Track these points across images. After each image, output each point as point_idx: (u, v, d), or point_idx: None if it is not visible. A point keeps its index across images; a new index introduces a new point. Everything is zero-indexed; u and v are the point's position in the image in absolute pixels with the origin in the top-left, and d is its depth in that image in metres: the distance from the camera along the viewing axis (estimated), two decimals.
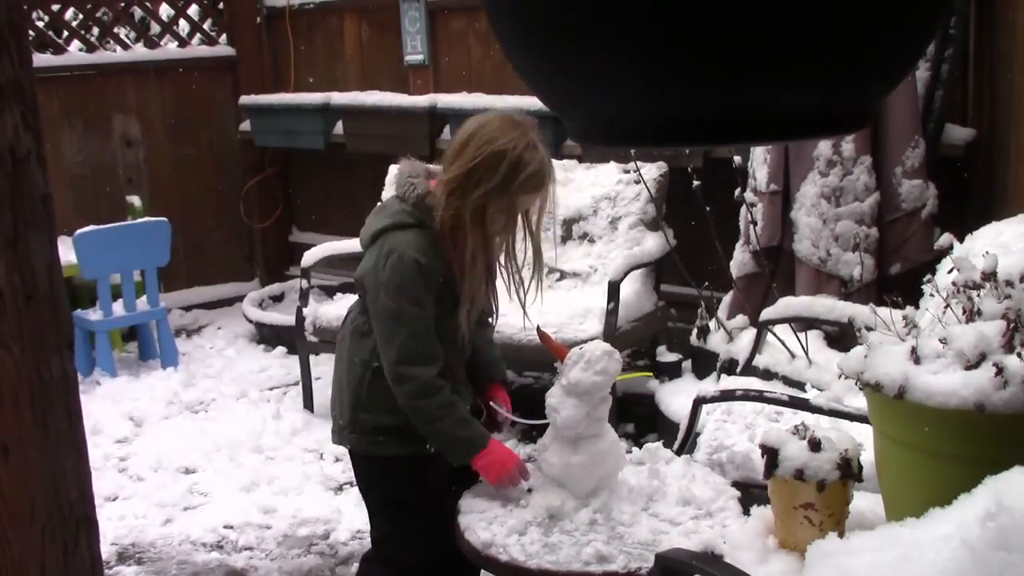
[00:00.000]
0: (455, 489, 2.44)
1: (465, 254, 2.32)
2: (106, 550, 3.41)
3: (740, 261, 3.92)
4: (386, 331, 2.34)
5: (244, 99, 5.96)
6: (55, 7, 5.78)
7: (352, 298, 4.59)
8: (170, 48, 6.13)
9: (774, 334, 3.34)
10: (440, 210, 2.32)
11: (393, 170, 5.08)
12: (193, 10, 6.20)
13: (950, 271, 1.44)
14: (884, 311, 1.52)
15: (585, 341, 2.42)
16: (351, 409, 2.46)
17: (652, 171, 4.34)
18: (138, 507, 3.77)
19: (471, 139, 2.32)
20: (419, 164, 2.47)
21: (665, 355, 4.09)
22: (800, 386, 3.13)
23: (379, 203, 2.53)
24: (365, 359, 2.43)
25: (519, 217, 2.40)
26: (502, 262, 2.48)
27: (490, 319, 2.61)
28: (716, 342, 3.73)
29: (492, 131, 2.32)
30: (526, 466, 2.39)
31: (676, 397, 3.53)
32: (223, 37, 6.28)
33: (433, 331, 2.36)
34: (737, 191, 3.76)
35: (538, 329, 2.50)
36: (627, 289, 4.06)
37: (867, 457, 1.53)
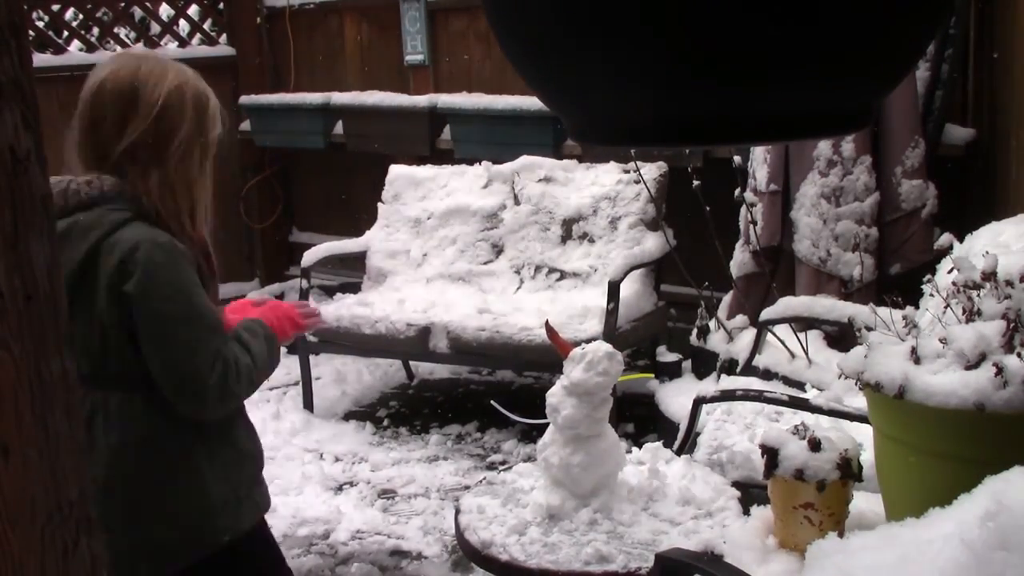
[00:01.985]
0: None
1: (191, 219, 1.91)
2: None
3: (740, 261, 3.92)
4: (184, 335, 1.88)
5: (244, 99, 5.96)
6: (55, 7, 5.78)
7: (352, 298, 4.64)
8: (170, 48, 6.13)
9: (774, 334, 3.34)
10: (139, 183, 1.85)
11: (393, 170, 5.11)
12: (193, 10, 6.19)
13: (950, 271, 1.43)
14: (884, 311, 1.52)
15: (585, 341, 2.43)
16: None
17: (652, 171, 4.34)
18: None
19: (131, 94, 1.83)
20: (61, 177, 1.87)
21: (665, 355, 4.09)
22: (800, 386, 3.13)
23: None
24: None
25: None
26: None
27: None
28: (716, 342, 3.73)
29: (151, 73, 1.86)
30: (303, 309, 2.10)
31: (676, 397, 3.53)
32: (223, 37, 6.28)
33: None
34: (737, 191, 3.76)
35: (547, 324, 2.50)
36: (627, 289, 4.07)
37: (867, 457, 1.53)
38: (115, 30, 6.06)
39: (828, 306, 3.05)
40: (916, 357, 1.35)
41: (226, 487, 1.91)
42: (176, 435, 1.87)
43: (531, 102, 4.72)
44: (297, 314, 2.10)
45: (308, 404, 4.60)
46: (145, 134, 1.83)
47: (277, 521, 3.61)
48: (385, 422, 4.52)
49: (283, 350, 2.10)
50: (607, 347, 2.31)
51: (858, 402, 2.19)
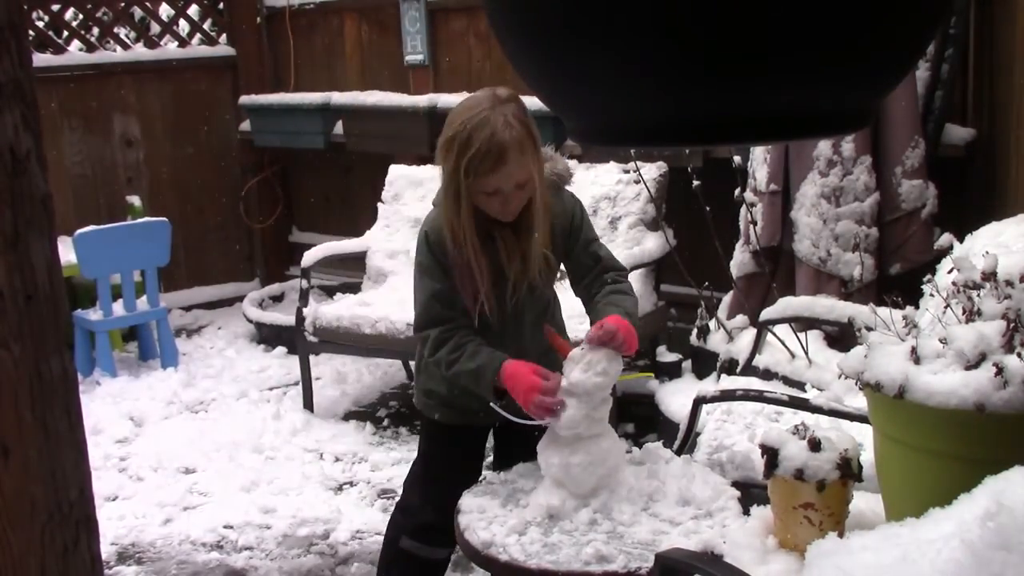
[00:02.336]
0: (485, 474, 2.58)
1: (449, 233, 2.34)
2: (106, 550, 3.41)
3: (740, 261, 3.92)
4: (414, 299, 2.47)
5: (244, 99, 5.96)
6: (55, 7, 5.79)
7: (352, 298, 4.63)
8: (170, 48, 6.13)
9: (774, 334, 3.34)
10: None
11: (393, 170, 5.11)
12: (193, 10, 6.20)
13: (950, 271, 1.44)
14: (884, 311, 1.52)
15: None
16: (416, 375, 2.68)
17: (652, 171, 4.34)
18: (138, 507, 3.77)
19: (448, 120, 2.31)
20: None
21: (665, 355, 4.09)
22: (800, 386, 3.13)
23: None
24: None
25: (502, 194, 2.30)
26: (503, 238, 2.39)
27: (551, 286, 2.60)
28: (716, 342, 3.73)
29: (456, 111, 2.30)
30: (551, 384, 2.25)
31: (676, 397, 3.53)
32: (223, 37, 6.28)
33: (450, 300, 2.40)
34: (737, 191, 3.76)
35: (545, 325, 2.49)
36: None
37: (867, 457, 1.53)
38: (115, 30, 6.06)
39: (828, 306, 3.05)
40: (916, 357, 1.35)
41: None
42: None
43: (531, 102, 4.70)
44: (537, 397, 2.25)
45: (308, 404, 4.60)
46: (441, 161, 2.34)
47: (277, 521, 3.61)
48: (385, 422, 4.52)
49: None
50: (607, 347, 2.31)
51: (858, 402, 2.19)
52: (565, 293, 2.58)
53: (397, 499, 2.92)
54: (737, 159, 3.78)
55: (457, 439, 2.65)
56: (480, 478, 2.57)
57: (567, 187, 2.59)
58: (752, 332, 3.47)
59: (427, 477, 2.71)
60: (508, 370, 2.30)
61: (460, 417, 2.59)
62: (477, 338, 2.40)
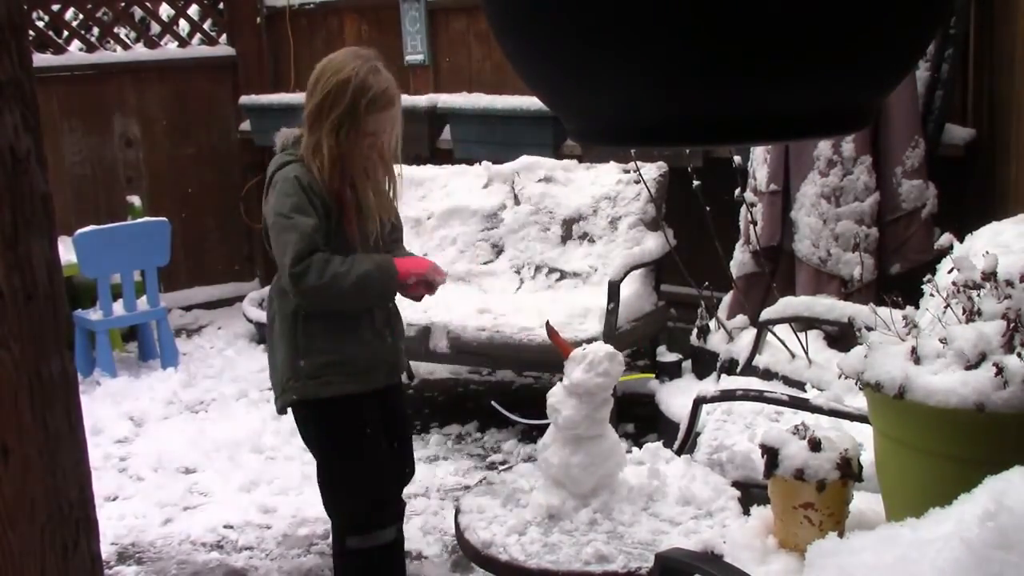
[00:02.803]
0: (385, 439, 2.70)
1: (327, 172, 2.55)
2: (106, 550, 3.41)
3: (740, 261, 3.92)
4: (281, 243, 2.54)
5: (244, 99, 5.96)
6: (55, 7, 5.79)
7: None
8: (170, 48, 6.13)
9: (774, 334, 3.34)
10: (304, 142, 2.60)
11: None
12: (193, 10, 6.20)
13: (950, 271, 1.43)
14: (884, 311, 1.52)
15: (585, 341, 2.43)
16: (290, 362, 2.63)
17: (652, 171, 4.34)
18: (138, 507, 3.77)
19: (320, 75, 2.57)
20: (292, 128, 2.74)
21: (665, 355, 4.08)
22: (800, 386, 3.13)
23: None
24: (292, 310, 2.60)
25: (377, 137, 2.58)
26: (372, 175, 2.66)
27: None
28: (716, 342, 3.73)
29: (336, 63, 2.56)
30: (437, 265, 2.68)
31: (676, 397, 3.53)
32: (223, 37, 6.28)
33: (324, 232, 2.55)
34: (737, 191, 3.76)
35: (547, 324, 2.50)
36: (627, 289, 4.06)
37: (867, 457, 1.53)
38: (115, 30, 6.06)
39: (828, 306, 3.05)
40: (916, 357, 1.35)
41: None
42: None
43: (531, 102, 4.72)
44: (426, 268, 2.65)
45: None
46: (315, 107, 2.55)
47: (277, 521, 3.61)
48: None
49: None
50: (608, 348, 2.31)
51: (858, 402, 2.19)
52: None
53: (322, 517, 2.94)
54: (737, 159, 3.78)
55: (358, 409, 2.66)
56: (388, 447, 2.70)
57: None
58: (752, 332, 3.47)
59: (344, 464, 2.69)
60: (399, 261, 2.62)
61: (354, 383, 2.63)
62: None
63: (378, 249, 2.67)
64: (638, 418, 4.14)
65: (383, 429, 2.72)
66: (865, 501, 1.61)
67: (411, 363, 4.96)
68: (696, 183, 3.59)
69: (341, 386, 2.61)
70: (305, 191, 2.54)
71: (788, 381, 3.25)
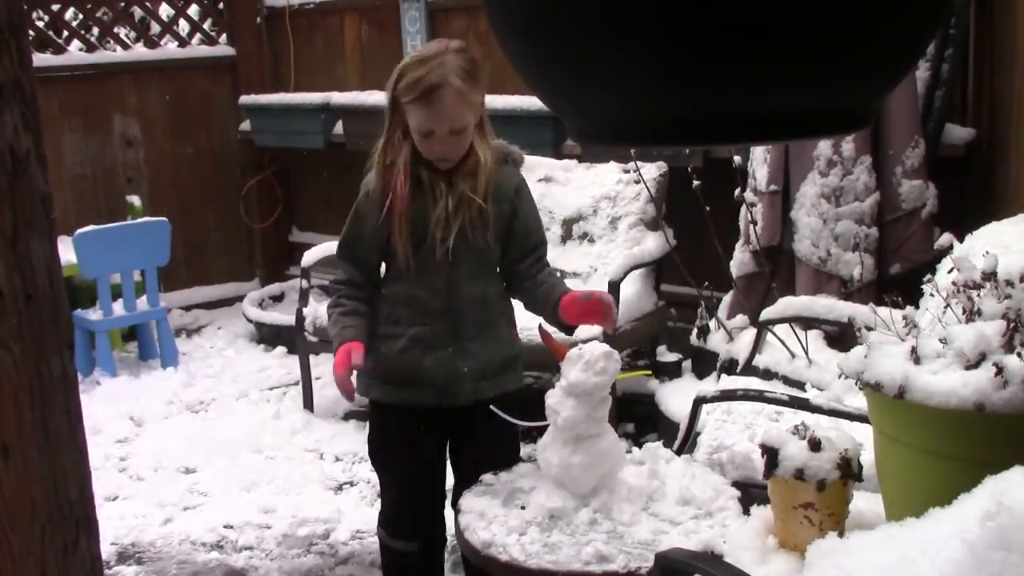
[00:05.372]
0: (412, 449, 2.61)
1: (375, 178, 2.48)
2: (106, 550, 3.41)
3: (740, 261, 3.92)
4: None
5: (244, 99, 5.96)
6: (55, 7, 5.79)
7: None
8: (170, 48, 6.13)
9: (774, 334, 3.34)
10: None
11: None
12: (193, 10, 6.20)
13: (950, 271, 1.43)
14: (884, 311, 1.52)
15: (585, 341, 2.42)
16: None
17: (652, 171, 4.34)
18: (138, 507, 3.77)
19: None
20: None
21: (665, 355, 4.09)
22: (800, 386, 3.13)
23: None
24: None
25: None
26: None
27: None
28: (716, 342, 3.73)
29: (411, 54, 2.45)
30: (359, 361, 2.47)
31: (676, 397, 3.53)
32: (223, 37, 6.28)
33: (365, 247, 2.53)
34: (737, 191, 3.76)
35: (540, 327, 2.50)
36: (627, 289, 4.06)
37: (867, 457, 1.53)
38: (115, 30, 6.06)
39: (828, 306, 3.05)
40: (916, 357, 1.35)
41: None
42: None
43: (531, 102, 4.72)
44: (339, 380, 2.49)
45: (308, 404, 4.60)
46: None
47: (277, 521, 3.61)
48: None
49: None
50: (604, 346, 2.31)
51: (858, 402, 2.19)
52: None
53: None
54: (737, 159, 3.77)
55: (391, 419, 2.62)
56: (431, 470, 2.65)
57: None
58: (752, 332, 3.47)
59: (376, 464, 2.70)
60: (339, 350, 2.49)
61: (395, 395, 2.58)
62: (362, 296, 2.56)
63: (449, 254, 2.45)
64: (638, 418, 4.14)
65: (427, 447, 2.63)
66: (865, 501, 1.61)
67: None
68: (696, 183, 3.59)
69: (376, 390, 2.62)
70: (368, 200, 2.50)
71: (788, 381, 3.25)
